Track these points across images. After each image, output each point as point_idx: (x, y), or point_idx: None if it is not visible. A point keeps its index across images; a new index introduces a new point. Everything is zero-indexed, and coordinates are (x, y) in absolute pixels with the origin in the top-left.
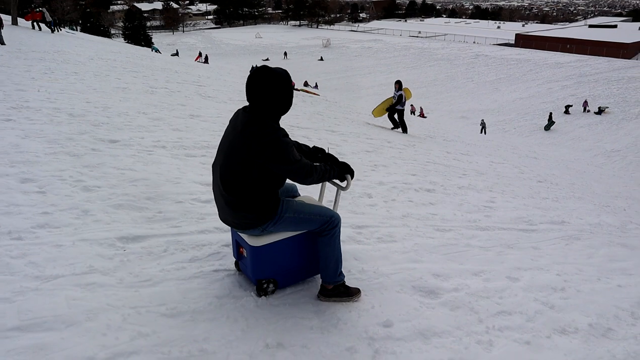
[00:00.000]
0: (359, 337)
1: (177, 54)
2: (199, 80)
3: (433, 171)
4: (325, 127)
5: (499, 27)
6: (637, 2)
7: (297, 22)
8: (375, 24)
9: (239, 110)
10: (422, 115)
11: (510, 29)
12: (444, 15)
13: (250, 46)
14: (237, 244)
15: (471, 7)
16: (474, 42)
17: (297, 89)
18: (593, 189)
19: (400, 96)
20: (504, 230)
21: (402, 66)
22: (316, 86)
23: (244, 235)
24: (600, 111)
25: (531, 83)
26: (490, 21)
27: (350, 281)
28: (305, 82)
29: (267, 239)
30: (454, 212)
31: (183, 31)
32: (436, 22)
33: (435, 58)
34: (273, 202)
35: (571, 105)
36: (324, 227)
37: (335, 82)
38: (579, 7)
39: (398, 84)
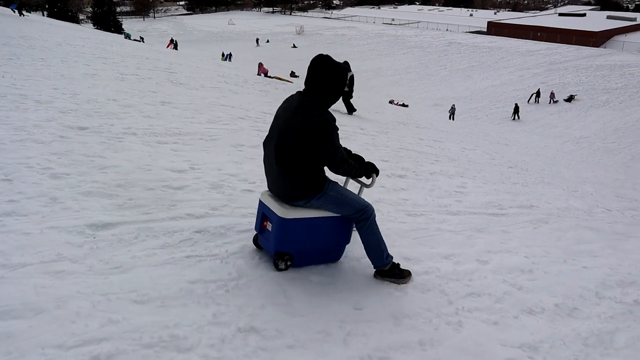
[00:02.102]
0: (331, 320)
1: (141, 40)
2: (171, 67)
3: (405, 157)
4: None
5: (471, 15)
6: None
7: (270, 9)
8: (348, 10)
9: (293, 94)
10: (392, 102)
11: (483, 17)
12: (417, 3)
13: (222, 33)
14: (262, 218)
15: None
16: (447, 30)
17: (270, 77)
18: (562, 175)
19: (351, 77)
20: (474, 215)
21: (375, 53)
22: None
23: (273, 207)
24: (570, 99)
25: (503, 71)
26: (463, 9)
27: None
28: (292, 72)
29: (296, 214)
30: (426, 197)
31: (154, 17)
32: (410, 9)
33: (409, 45)
34: (321, 177)
35: (538, 95)
36: (358, 215)
37: None
38: None
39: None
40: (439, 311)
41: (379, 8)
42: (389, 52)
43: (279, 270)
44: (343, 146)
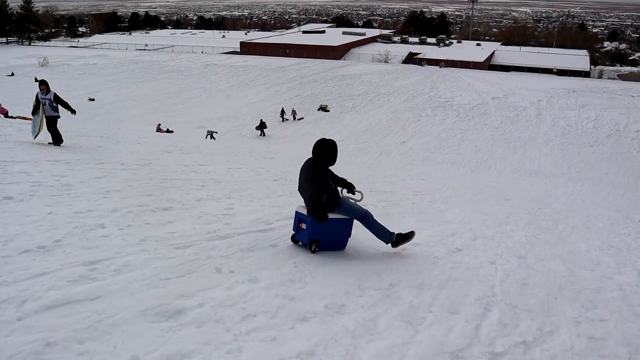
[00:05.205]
0: None
1: None
2: None
3: (170, 187)
4: (46, 158)
5: (224, 36)
6: (338, 10)
7: (4, 39)
8: (97, 38)
9: (306, 161)
10: (159, 130)
11: (235, 38)
12: (169, 27)
13: None
14: (299, 221)
15: (195, 17)
16: (202, 52)
17: (12, 117)
18: None
19: (54, 99)
20: (243, 235)
21: (132, 81)
22: None
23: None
24: (322, 108)
25: (260, 87)
26: (215, 31)
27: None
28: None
29: None
30: (194, 226)
31: None
32: (162, 33)
33: (166, 70)
34: (337, 199)
35: (283, 113)
36: (362, 218)
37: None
38: (292, 15)
39: (44, 85)
40: (217, 342)
41: (130, 34)
42: (146, 79)
43: (312, 252)
44: (341, 177)
